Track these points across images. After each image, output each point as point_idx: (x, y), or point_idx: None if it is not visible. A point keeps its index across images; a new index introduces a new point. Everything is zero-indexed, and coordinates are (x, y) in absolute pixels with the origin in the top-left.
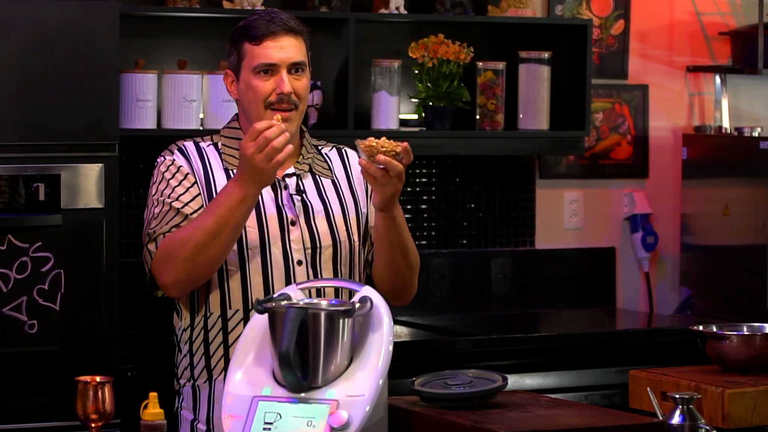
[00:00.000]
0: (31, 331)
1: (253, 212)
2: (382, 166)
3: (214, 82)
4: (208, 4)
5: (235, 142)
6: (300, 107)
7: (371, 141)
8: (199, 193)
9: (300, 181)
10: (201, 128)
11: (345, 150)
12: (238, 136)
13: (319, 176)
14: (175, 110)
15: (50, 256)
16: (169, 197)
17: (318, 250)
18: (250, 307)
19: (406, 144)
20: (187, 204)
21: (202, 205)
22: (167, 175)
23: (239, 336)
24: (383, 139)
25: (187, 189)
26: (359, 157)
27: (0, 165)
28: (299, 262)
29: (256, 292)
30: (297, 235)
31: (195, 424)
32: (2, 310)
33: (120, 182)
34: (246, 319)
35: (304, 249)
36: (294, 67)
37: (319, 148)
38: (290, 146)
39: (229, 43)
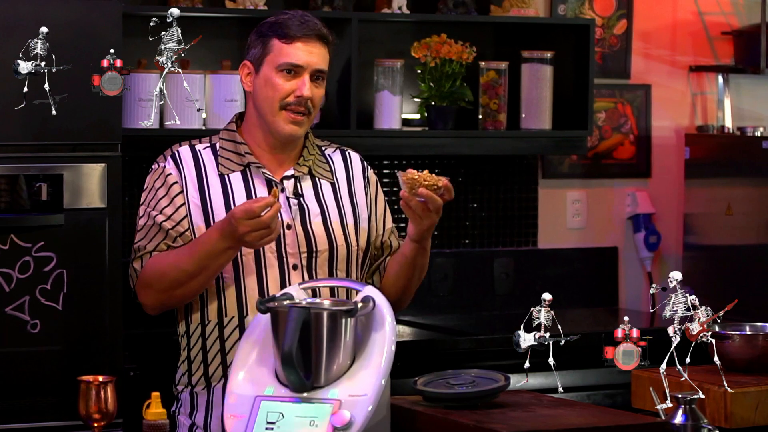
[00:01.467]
0: (33, 330)
1: None
2: (422, 200)
3: (217, 81)
4: (211, 4)
5: (231, 144)
6: (312, 114)
7: (413, 174)
8: (184, 203)
9: (298, 184)
10: (203, 128)
11: (349, 152)
12: (235, 139)
13: (318, 178)
14: (177, 110)
15: (53, 256)
16: (154, 209)
17: (314, 253)
18: (245, 314)
19: (446, 181)
20: (169, 217)
21: (186, 215)
22: (157, 184)
23: (236, 343)
24: (425, 172)
25: (172, 200)
26: (401, 189)
27: (3, 164)
28: (294, 266)
29: (251, 297)
30: (292, 239)
31: (194, 429)
32: (5, 310)
33: (123, 182)
34: (241, 326)
35: (300, 253)
36: (317, 74)
37: (323, 149)
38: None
39: (254, 35)
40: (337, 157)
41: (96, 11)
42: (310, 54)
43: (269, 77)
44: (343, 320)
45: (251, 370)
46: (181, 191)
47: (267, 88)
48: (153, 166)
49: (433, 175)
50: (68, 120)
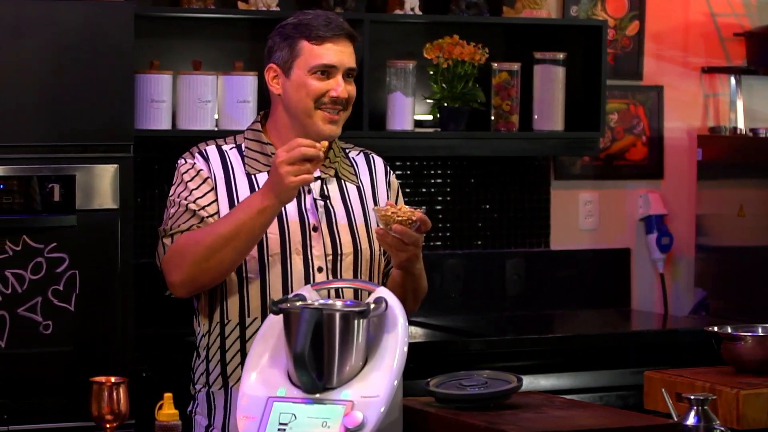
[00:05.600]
0: (45, 331)
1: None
2: (397, 235)
3: (229, 82)
4: (223, 5)
5: (257, 144)
6: (348, 110)
7: (387, 210)
8: (216, 200)
9: (324, 186)
10: (216, 129)
11: (372, 156)
12: (261, 139)
13: (344, 181)
14: (190, 111)
15: (65, 257)
16: (186, 199)
17: (339, 257)
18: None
19: (421, 214)
20: (203, 207)
21: (218, 210)
22: (186, 178)
23: None
24: (401, 206)
25: (205, 193)
26: (376, 224)
27: (15, 165)
28: (320, 269)
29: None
30: (318, 241)
31: (210, 430)
32: (17, 311)
33: (135, 183)
34: None
35: (325, 255)
36: (349, 72)
37: (347, 151)
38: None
39: (278, 37)
40: (361, 161)
41: (108, 12)
42: (342, 53)
43: (302, 80)
44: (356, 321)
45: (264, 372)
46: (213, 188)
47: (301, 90)
48: (180, 162)
49: (409, 208)
50: (81, 121)
